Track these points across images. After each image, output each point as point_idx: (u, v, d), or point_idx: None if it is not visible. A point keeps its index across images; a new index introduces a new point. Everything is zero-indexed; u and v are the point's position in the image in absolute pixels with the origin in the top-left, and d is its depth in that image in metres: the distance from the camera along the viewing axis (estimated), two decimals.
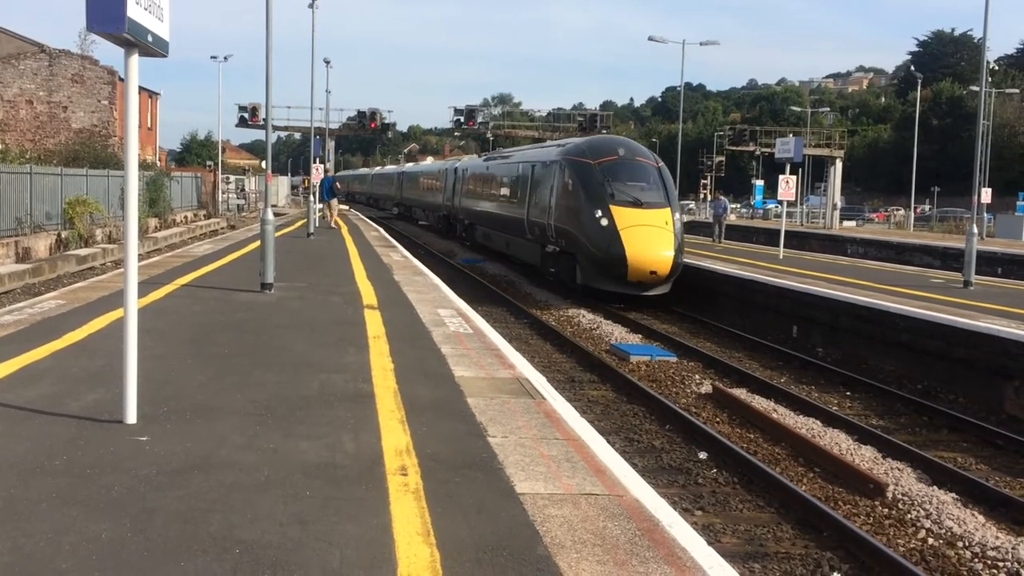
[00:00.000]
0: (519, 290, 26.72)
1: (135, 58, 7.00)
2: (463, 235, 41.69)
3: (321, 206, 37.24)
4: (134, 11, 6.46)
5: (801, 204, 74.73)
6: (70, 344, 10.36)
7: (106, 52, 79.81)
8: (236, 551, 4.82)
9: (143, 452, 6.47)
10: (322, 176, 37.75)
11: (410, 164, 77.17)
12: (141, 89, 50.42)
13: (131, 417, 7.15)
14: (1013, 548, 8.05)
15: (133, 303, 7.20)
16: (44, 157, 37.90)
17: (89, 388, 8.26)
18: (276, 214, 23.49)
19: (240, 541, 4.95)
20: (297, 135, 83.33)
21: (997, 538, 8.28)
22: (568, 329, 19.68)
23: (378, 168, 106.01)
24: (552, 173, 25.47)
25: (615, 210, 22.37)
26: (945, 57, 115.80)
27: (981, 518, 8.84)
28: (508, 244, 32.00)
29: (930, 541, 8.39)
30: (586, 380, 14.85)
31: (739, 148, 65.17)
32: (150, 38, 6.87)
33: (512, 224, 30.15)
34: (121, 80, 42.03)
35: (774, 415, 12.38)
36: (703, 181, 75.13)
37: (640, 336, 18.77)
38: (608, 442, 7.42)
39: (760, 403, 13.07)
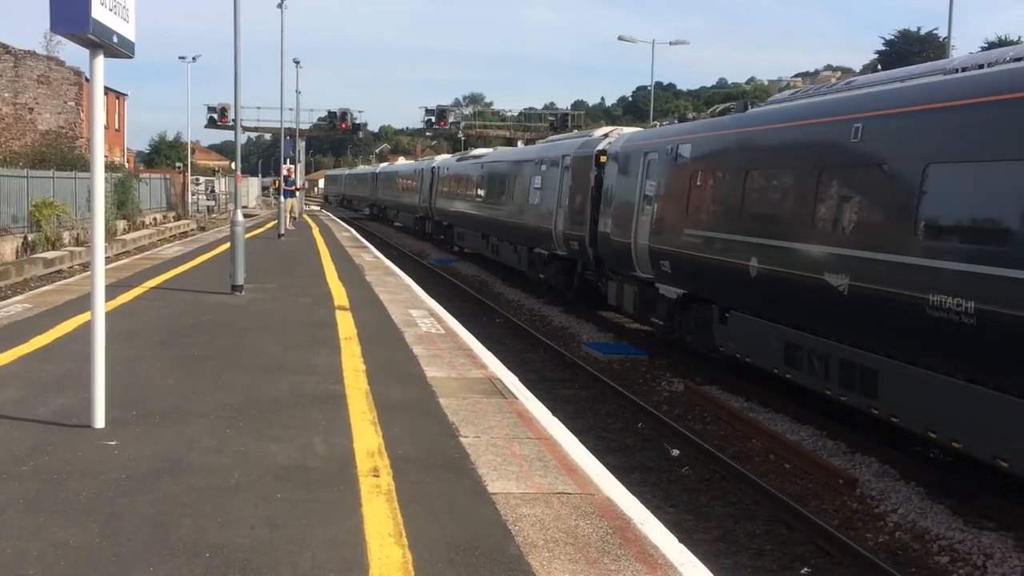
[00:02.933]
0: (491, 290, 26.73)
1: (100, 59, 6.94)
2: (671, 322, 15.88)
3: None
4: (99, 12, 6.41)
5: None
6: (37, 348, 10.24)
7: (72, 53, 78.92)
8: (206, 555, 4.79)
9: (112, 457, 6.41)
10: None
11: (443, 157, 48.76)
12: (108, 90, 49.95)
13: (99, 421, 7.09)
14: (977, 539, 8.15)
15: (101, 306, 7.13)
16: (10, 159, 37.37)
17: (57, 393, 8.17)
18: (247, 215, 23.39)
19: (210, 545, 4.92)
20: (267, 136, 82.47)
21: (963, 531, 8.38)
22: (541, 329, 19.71)
23: (385, 164, 73.46)
24: None
25: None
26: (911, 56, 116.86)
27: (949, 511, 8.93)
28: None
29: (898, 535, 8.49)
30: (558, 379, 14.89)
31: None
32: (115, 39, 6.81)
33: None
34: (88, 81, 41.33)
35: (747, 414, 12.46)
36: None
37: (612, 335, 18.82)
38: (580, 441, 7.45)
39: (733, 402, 13.15)
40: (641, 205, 16.62)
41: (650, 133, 18.36)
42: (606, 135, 20.92)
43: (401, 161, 69.32)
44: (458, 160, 39.12)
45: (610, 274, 18.95)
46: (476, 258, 33.69)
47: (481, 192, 31.31)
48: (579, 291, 21.67)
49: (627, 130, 21.08)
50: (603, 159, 19.63)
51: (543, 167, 24.03)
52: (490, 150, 38.20)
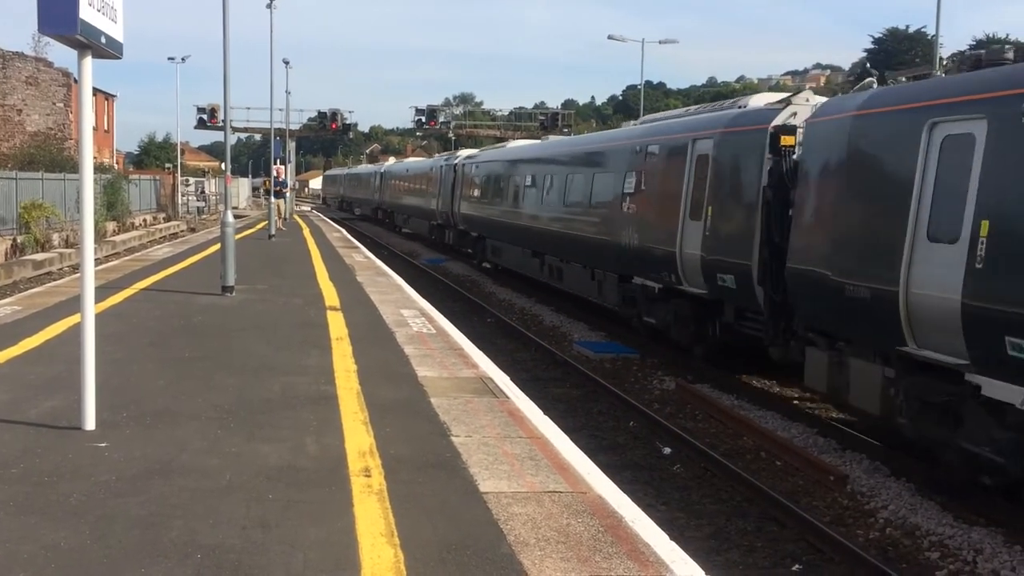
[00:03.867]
0: (482, 289, 26.72)
1: (88, 60, 6.92)
2: None
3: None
4: (87, 12, 6.39)
5: None
6: (27, 350, 10.21)
7: (61, 54, 78.64)
8: (197, 556, 4.78)
9: (102, 458, 6.40)
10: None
11: (468, 151, 37.22)
12: (97, 91, 49.74)
13: (90, 423, 7.07)
14: (967, 535, 8.19)
15: (90, 308, 7.11)
16: None
17: (47, 395, 8.15)
18: (237, 216, 23.33)
19: (202, 546, 4.92)
20: (257, 136, 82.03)
21: (953, 526, 8.42)
22: (532, 328, 19.71)
23: (392, 162, 62.33)
24: None
25: None
26: (900, 54, 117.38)
27: (939, 507, 8.97)
28: None
29: (888, 531, 8.52)
30: (550, 378, 14.89)
31: None
32: (103, 39, 6.80)
33: None
34: (76, 82, 40.55)
35: (738, 411, 12.49)
36: None
37: (603, 334, 18.84)
38: (572, 439, 7.46)
39: (724, 400, 13.18)
40: (923, 222, 9.19)
41: (932, 87, 9.97)
42: (784, 103, 13.32)
43: (395, 161, 67.48)
44: (493, 153, 30.81)
45: (810, 336, 11.39)
46: (468, 257, 33.49)
47: (532, 194, 23.71)
48: (716, 346, 14.89)
49: (817, 98, 13.32)
50: (786, 140, 12.38)
51: (653, 156, 16.29)
52: (534, 141, 30.29)
